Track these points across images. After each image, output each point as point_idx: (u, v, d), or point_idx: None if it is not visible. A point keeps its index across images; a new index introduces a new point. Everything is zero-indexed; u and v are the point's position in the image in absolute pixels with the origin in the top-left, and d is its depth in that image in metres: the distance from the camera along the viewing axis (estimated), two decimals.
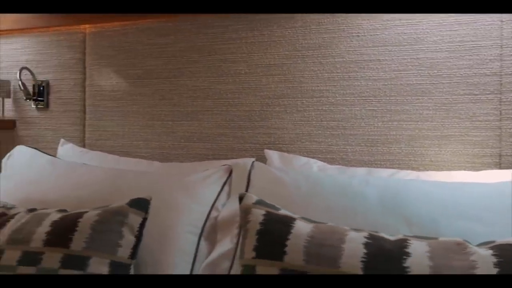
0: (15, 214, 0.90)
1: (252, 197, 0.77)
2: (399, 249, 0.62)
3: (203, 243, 0.97)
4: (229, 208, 0.99)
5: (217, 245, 0.94)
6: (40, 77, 1.55)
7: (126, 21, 1.42)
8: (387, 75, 1.15)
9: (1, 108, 1.61)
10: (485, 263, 0.58)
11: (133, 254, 0.84)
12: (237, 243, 0.92)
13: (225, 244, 0.93)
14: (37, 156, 1.24)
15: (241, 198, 0.79)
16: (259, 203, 0.76)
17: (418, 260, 0.60)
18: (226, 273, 0.88)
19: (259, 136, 1.26)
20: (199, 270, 0.91)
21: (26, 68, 1.52)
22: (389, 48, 1.15)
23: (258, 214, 0.73)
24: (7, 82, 1.60)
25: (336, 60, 1.19)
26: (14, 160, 1.25)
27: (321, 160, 1.16)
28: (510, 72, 1.04)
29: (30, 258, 0.80)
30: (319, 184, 0.89)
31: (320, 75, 1.21)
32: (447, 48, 1.09)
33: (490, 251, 0.59)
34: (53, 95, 1.55)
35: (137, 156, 1.40)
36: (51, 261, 0.78)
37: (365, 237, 0.65)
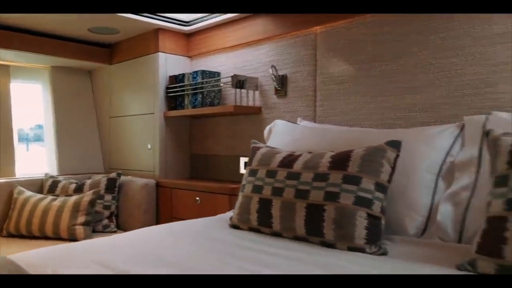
0: (300, 155, 1.41)
1: (497, 131, 1.02)
2: None
3: (440, 181, 1.26)
4: (465, 154, 1.25)
5: (455, 181, 1.21)
6: (280, 72, 2.16)
7: (349, 19, 1.86)
8: None
9: (252, 98, 2.30)
10: None
11: (390, 180, 1.20)
12: (475, 179, 1.17)
13: (464, 180, 1.19)
14: (292, 125, 1.79)
15: (487, 133, 1.05)
16: (505, 134, 1.00)
17: None
18: (466, 201, 1.15)
19: (484, 101, 1.46)
20: (440, 199, 1.20)
21: (273, 66, 2.15)
22: None
23: (507, 139, 0.97)
24: (256, 79, 2.28)
25: None
26: (277, 128, 1.83)
27: None
28: None
29: (320, 177, 1.26)
30: None
31: None
32: None
33: None
34: (290, 85, 2.12)
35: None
36: (336, 178, 1.22)
37: None
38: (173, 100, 2.58)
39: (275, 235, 1.32)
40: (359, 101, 1.83)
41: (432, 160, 1.29)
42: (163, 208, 2.45)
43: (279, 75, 2.15)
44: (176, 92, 2.52)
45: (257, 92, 2.29)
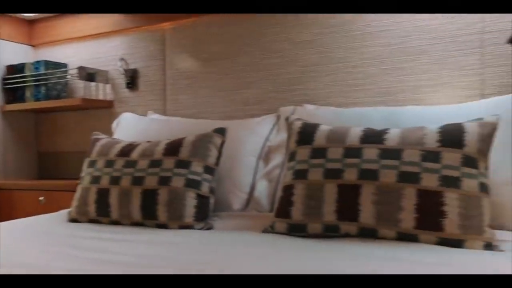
0: (139, 144, 1.48)
1: (294, 117, 1.29)
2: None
3: (260, 162, 1.50)
4: (278, 138, 1.52)
5: (270, 161, 1.46)
6: (131, 66, 2.18)
7: (195, 18, 2.00)
8: (396, 41, 1.60)
9: (101, 92, 2.27)
10: (432, 134, 1.03)
11: (217, 163, 1.38)
12: (284, 159, 1.43)
13: (277, 159, 1.46)
14: (140, 118, 1.86)
15: (287, 120, 1.30)
16: (297, 119, 1.27)
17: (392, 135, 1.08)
18: (277, 177, 1.40)
19: (299, 96, 1.76)
20: (258, 177, 1.43)
21: (123, 59, 2.15)
22: (396, 19, 1.60)
23: (298, 123, 1.24)
24: (106, 72, 2.25)
25: (355, 33, 1.67)
26: (124, 121, 1.86)
27: None
28: (489, 31, 1.45)
29: (155, 163, 1.35)
30: (340, 114, 1.38)
31: (343, 45, 1.69)
32: (441, 15, 1.52)
33: (438, 129, 1.05)
34: (141, 79, 2.17)
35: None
36: (168, 163, 1.34)
37: (362, 129, 1.13)
38: (12, 92, 2.35)
39: (114, 224, 1.37)
40: (205, 95, 1.99)
41: (254, 145, 1.52)
42: (2, 213, 2.21)
43: (130, 69, 2.17)
44: (15, 83, 2.31)
45: (108, 86, 2.26)
